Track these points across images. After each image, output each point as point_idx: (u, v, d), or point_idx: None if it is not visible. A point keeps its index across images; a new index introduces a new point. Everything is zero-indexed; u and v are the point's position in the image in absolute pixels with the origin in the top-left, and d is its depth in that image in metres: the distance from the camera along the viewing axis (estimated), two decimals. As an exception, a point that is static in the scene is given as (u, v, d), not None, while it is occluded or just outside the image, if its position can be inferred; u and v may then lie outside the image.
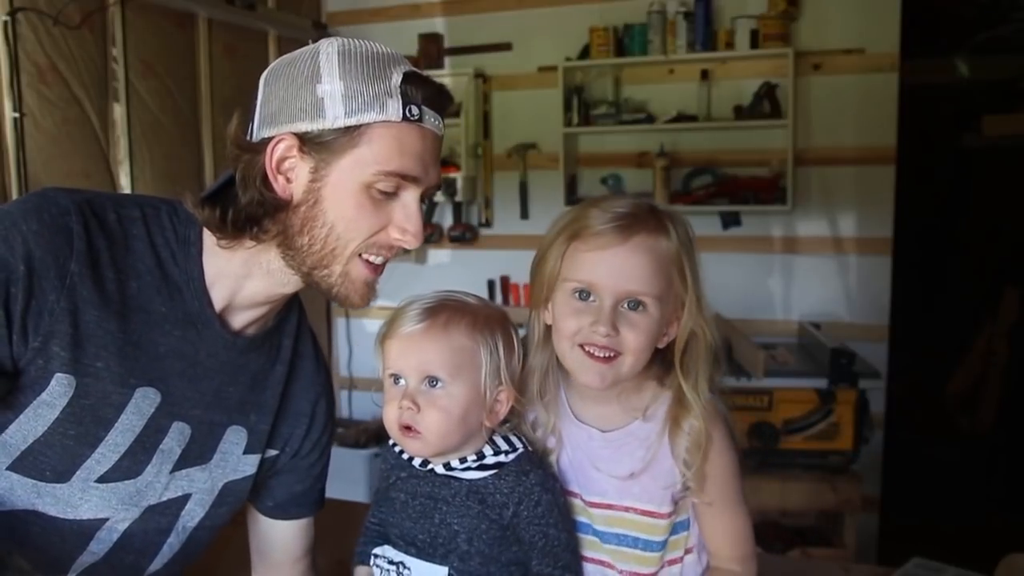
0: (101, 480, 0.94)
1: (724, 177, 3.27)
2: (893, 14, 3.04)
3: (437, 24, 3.66)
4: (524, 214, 3.59)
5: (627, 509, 1.00)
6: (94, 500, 0.94)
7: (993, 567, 1.45)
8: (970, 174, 4.69)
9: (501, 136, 3.62)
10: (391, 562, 1.01)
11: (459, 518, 0.97)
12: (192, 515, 1.04)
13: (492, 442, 1.00)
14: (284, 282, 0.97)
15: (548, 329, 1.01)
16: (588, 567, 1.03)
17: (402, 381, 0.97)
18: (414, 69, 0.92)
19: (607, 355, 0.94)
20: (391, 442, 1.05)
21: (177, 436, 0.98)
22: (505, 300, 3.58)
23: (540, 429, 1.04)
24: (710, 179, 3.28)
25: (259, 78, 0.95)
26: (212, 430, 1.01)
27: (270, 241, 0.93)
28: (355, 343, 3.88)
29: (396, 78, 0.89)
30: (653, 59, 3.25)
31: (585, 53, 3.36)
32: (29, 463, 0.90)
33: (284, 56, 0.94)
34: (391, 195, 0.92)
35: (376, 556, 1.03)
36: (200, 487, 1.03)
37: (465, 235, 3.69)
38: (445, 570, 0.97)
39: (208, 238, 0.95)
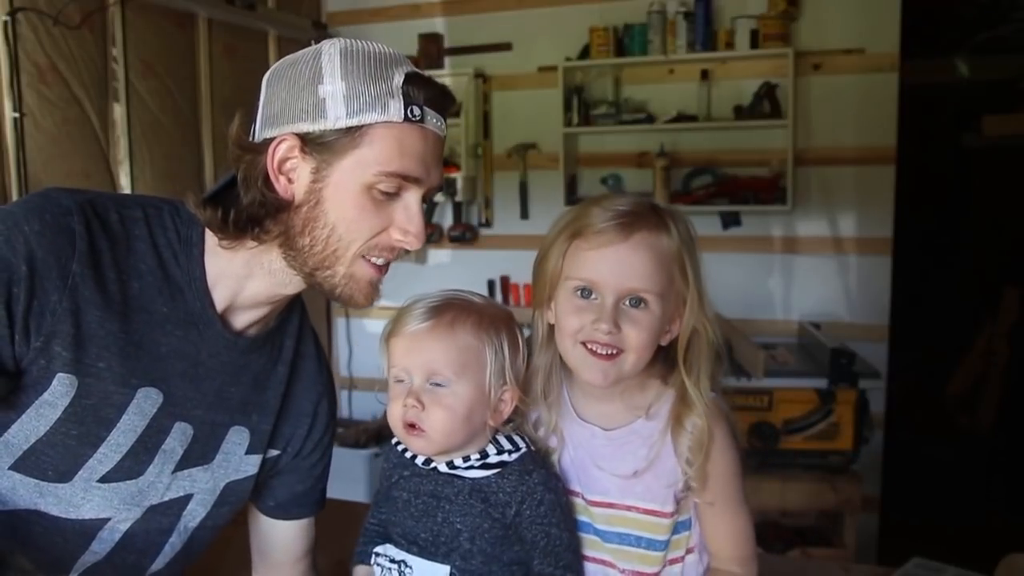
0: (103, 480, 0.94)
1: (724, 177, 3.27)
2: (893, 14, 3.04)
3: (437, 24, 3.66)
4: (524, 214, 3.59)
5: (629, 508, 1.00)
6: (96, 500, 0.94)
7: (993, 567, 1.45)
8: (970, 174, 4.69)
9: (501, 136, 3.62)
10: (393, 560, 1.01)
11: (462, 517, 0.97)
12: (194, 515, 1.04)
13: (496, 441, 1.01)
14: (286, 283, 0.97)
15: (551, 328, 1.01)
16: (589, 566, 1.03)
17: (407, 379, 0.97)
18: (416, 70, 0.92)
19: (609, 352, 0.95)
20: (394, 441, 1.06)
21: (179, 436, 0.98)
22: (505, 300, 3.58)
23: (542, 428, 1.04)
24: (710, 179, 3.28)
25: (259, 78, 0.95)
26: (214, 430, 1.02)
27: (272, 242, 0.93)
28: (355, 343, 3.88)
29: (398, 79, 0.89)
30: (653, 59, 3.25)
31: (585, 53, 3.36)
32: (31, 463, 0.90)
33: (286, 57, 0.94)
34: (393, 196, 0.92)
35: (378, 555, 1.03)
36: (202, 487, 1.03)
37: (465, 235, 3.69)
38: (447, 569, 0.97)
39: (210, 238, 0.95)
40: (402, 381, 0.98)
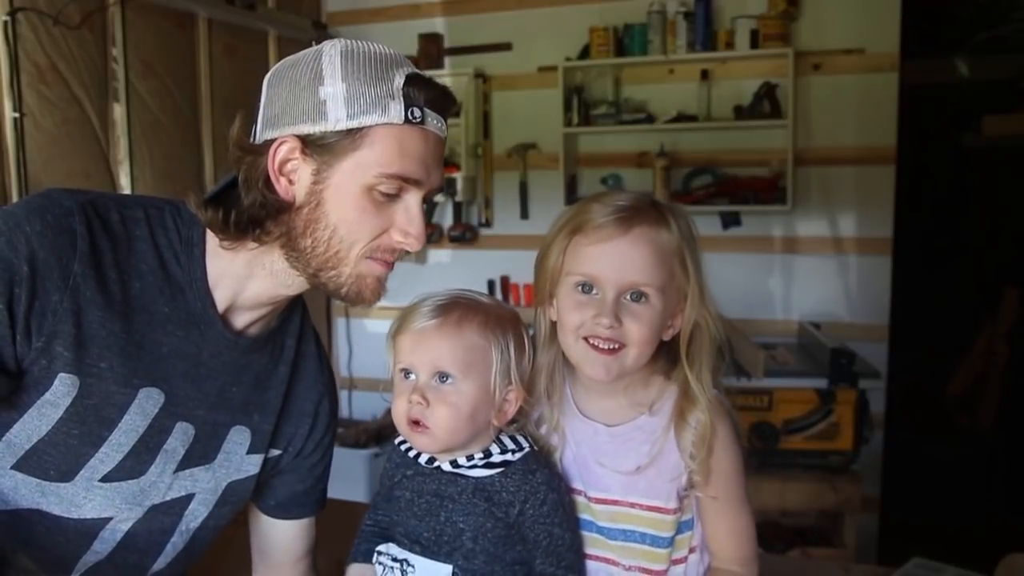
0: (105, 480, 0.94)
1: (724, 177, 3.27)
2: (893, 14, 3.05)
3: (437, 24, 3.66)
4: (524, 214, 3.60)
5: (633, 505, 1.01)
6: (98, 499, 0.95)
7: (993, 567, 1.46)
8: (970, 174, 4.69)
9: (501, 136, 3.63)
10: (395, 560, 1.01)
11: (465, 516, 0.98)
12: (195, 515, 1.04)
13: (499, 441, 1.01)
14: (288, 283, 0.97)
15: (553, 326, 1.01)
16: (591, 564, 1.03)
17: (412, 376, 0.98)
18: (416, 71, 0.92)
19: (611, 347, 0.95)
20: (397, 440, 1.06)
21: (181, 436, 0.98)
22: (505, 300, 3.57)
23: (544, 426, 1.05)
24: (710, 179, 3.29)
25: (259, 78, 0.95)
26: (216, 430, 1.02)
27: (273, 243, 0.93)
28: (355, 343, 3.88)
29: (398, 80, 0.89)
30: (653, 59, 3.25)
31: (585, 53, 3.36)
32: (33, 462, 0.90)
33: (287, 58, 0.94)
34: (393, 197, 0.92)
35: (380, 553, 1.04)
36: (204, 487, 1.03)
37: (465, 235, 3.70)
38: (449, 568, 0.98)
39: (211, 239, 0.95)
40: (407, 378, 0.98)
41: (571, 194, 3.42)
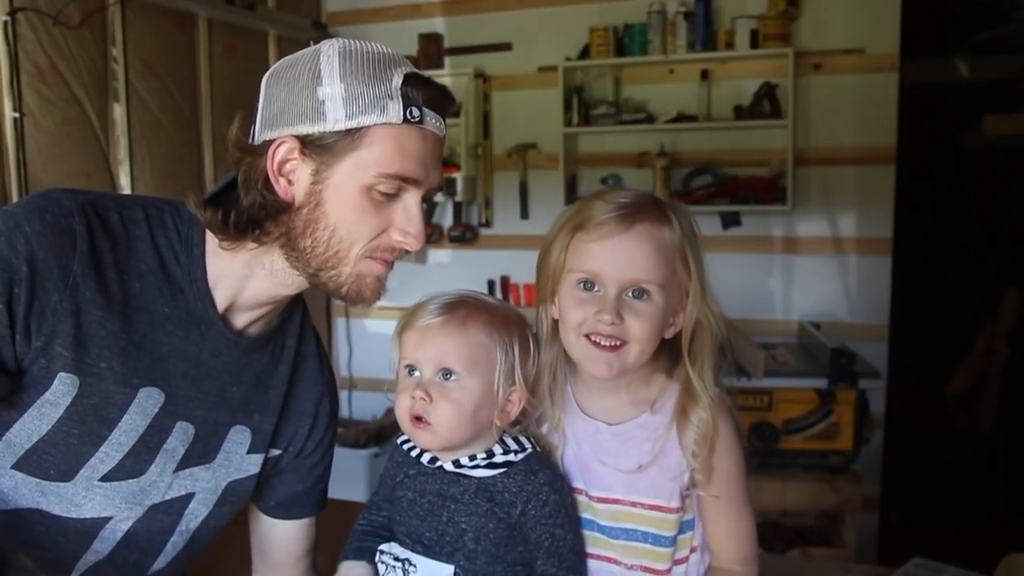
0: (105, 479, 0.94)
1: (724, 177, 3.27)
2: (893, 14, 3.05)
3: (437, 24, 3.66)
4: (524, 214, 3.60)
5: (634, 504, 1.00)
6: (98, 499, 0.95)
7: (993, 567, 1.46)
8: (970, 174, 4.69)
9: (501, 136, 3.63)
10: (397, 559, 1.01)
11: (467, 516, 0.98)
12: (195, 514, 1.04)
13: (502, 442, 1.01)
14: (287, 283, 0.97)
15: (555, 324, 1.01)
16: (593, 564, 1.03)
17: (417, 372, 0.98)
18: (415, 70, 0.92)
19: (613, 344, 0.95)
20: (399, 440, 1.06)
21: (181, 436, 0.98)
22: (505, 300, 3.57)
23: (545, 425, 1.05)
24: (710, 179, 3.29)
25: (259, 78, 0.95)
26: (216, 430, 1.02)
27: (273, 243, 0.94)
28: (355, 343, 3.88)
29: (397, 80, 0.89)
30: (653, 59, 3.25)
31: (585, 53, 3.36)
32: (33, 462, 0.90)
33: (286, 58, 0.94)
34: (392, 197, 0.92)
35: (382, 552, 1.03)
36: (204, 486, 1.03)
37: (465, 235, 3.70)
38: (451, 568, 0.98)
39: (211, 239, 0.95)
40: (412, 374, 0.98)
41: (571, 194, 3.42)
